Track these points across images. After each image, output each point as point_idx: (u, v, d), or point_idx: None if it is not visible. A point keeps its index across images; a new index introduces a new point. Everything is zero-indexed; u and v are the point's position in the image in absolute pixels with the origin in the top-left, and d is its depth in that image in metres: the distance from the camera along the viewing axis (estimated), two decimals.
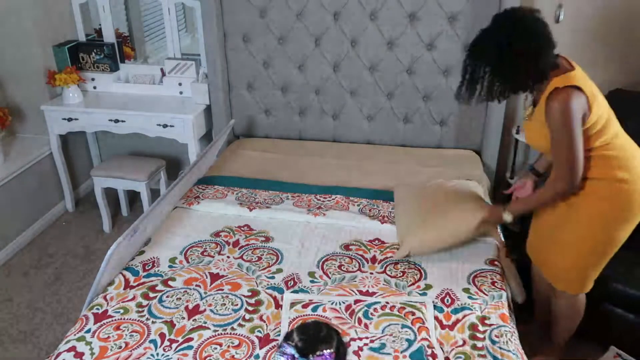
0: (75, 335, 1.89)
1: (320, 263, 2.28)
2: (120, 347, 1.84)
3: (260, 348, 1.84)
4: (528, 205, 2.16)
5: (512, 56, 1.84)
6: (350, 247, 2.40)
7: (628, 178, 1.96)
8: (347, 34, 3.21)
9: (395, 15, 3.11)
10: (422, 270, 2.23)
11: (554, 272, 2.22)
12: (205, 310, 2.01)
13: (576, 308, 2.30)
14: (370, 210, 2.63)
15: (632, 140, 2.05)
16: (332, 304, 2.02)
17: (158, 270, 2.23)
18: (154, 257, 2.31)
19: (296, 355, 1.73)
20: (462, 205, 2.34)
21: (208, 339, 1.88)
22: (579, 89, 1.85)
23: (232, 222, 2.57)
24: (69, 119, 3.44)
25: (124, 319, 1.97)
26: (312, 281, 2.18)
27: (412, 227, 2.32)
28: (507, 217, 2.15)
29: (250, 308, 2.02)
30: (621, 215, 2.00)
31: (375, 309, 2.00)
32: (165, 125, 3.34)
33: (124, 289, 2.12)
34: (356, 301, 2.04)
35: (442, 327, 1.93)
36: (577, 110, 1.85)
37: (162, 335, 1.89)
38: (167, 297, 2.08)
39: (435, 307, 2.02)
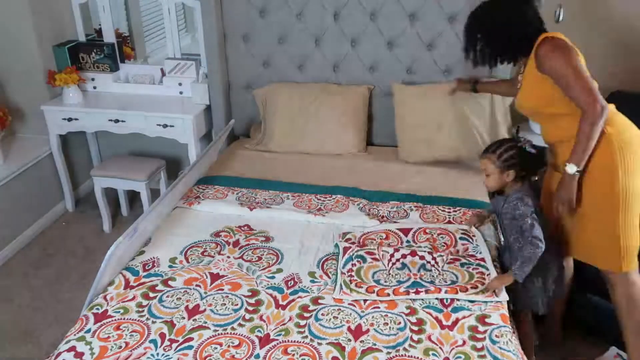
0: (75, 335, 1.89)
1: (321, 263, 2.28)
2: (120, 347, 1.84)
3: (261, 348, 1.84)
4: (582, 149, 2.03)
5: (500, 30, 2.18)
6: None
7: (613, 131, 2.04)
8: (347, 34, 3.21)
9: (395, 15, 3.11)
10: None
11: (590, 251, 2.20)
12: (205, 310, 2.01)
13: (633, 299, 2.18)
14: (370, 210, 2.63)
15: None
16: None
17: (158, 270, 2.23)
18: (154, 257, 2.31)
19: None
20: None
21: (208, 338, 1.88)
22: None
23: (232, 222, 2.57)
24: (69, 119, 3.44)
25: (124, 318, 1.97)
26: (312, 281, 2.17)
27: None
28: (571, 169, 2.05)
29: (250, 308, 2.02)
30: (620, 166, 2.04)
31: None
32: (165, 125, 3.34)
33: (124, 289, 2.12)
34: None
35: (442, 327, 1.93)
36: (569, 46, 2.07)
37: (162, 335, 1.89)
38: (167, 297, 2.08)
39: (434, 307, 2.02)
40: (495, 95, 2.96)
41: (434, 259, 2.25)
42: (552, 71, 2.05)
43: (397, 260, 2.24)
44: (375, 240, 2.41)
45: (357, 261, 2.22)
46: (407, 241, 2.40)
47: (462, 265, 2.21)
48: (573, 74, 2.00)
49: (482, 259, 2.24)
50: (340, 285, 2.11)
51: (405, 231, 2.45)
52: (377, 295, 2.05)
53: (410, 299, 2.04)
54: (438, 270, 2.19)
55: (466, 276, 2.15)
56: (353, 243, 2.34)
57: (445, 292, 2.05)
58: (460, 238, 2.38)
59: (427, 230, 2.45)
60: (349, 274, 2.17)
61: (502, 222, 2.23)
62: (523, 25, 2.14)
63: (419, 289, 2.07)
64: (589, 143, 2.01)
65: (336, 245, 2.35)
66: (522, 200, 2.08)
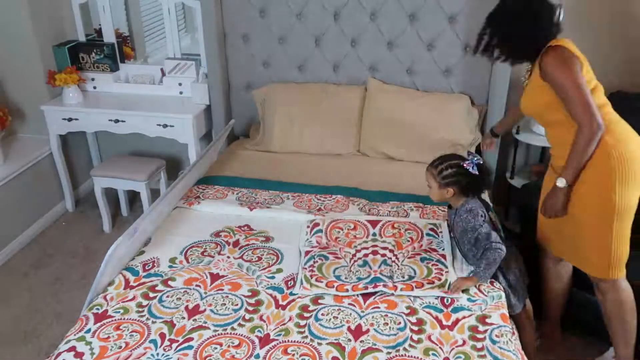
0: (75, 335, 1.89)
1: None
2: (120, 347, 1.84)
3: (261, 348, 1.84)
4: (574, 165, 2.06)
5: (514, 28, 2.09)
6: None
7: (613, 142, 2.02)
8: (347, 34, 3.21)
9: (395, 15, 3.11)
10: None
11: (582, 258, 2.22)
12: (205, 310, 2.01)
13: (623, 303, 2.22)
14: (370, 210, 2.63)
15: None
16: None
17: (158, 270, 2.23)
18: (154, 257, 2.31)
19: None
20: None
21: (208, 338, 1.88)
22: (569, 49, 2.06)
23: (232, 222, 2.57)
24: (69, 119, 3.44)
25: (124, 319, 1.97)
26: None
27: None
28: (560, 183, 2.09)
29: (250, 308, 2.02)
30: (617, 179, 2.03)
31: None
32: (165, 125, 3.34)
33: (124, 289, 2.12)
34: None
35: (442, 327, 1.93)
36: (573, 58, 2.03)
37: (162, 335, 1.89)
38: (167, 297, 2.08)
39: (435, 307, 2.02)
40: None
41: (395, 255, 2.27)
42: (553, 81, 2.05)
43: (359, 258, 2.27)
44: (342, 229, 2.43)
45: (319, 258, 2.25)
46: (374, 234, 2.41)
47: (422, 260, 2.23)
48: (572, 88, 1.99)
49: (443, 256, 2.25)
50: (301, 280, 2.13)
51: (374, 223, 2.46)
52: (337, 290, 2.07)
53: (387, 295, 2.05)
54: (397, 265, 2.21)
55: (424, 271, 2.16)
56: (315, 247, 2.34)
57: (401, 289, 2.07)
58: (427, 234, 2.39)
59: (395, 225, 2.45)
60: (311, 269, 2.19)
61: (455, 235, 2.25)
62: (535, 29, 2.08)
63: (377, 283, 2.09)
64: (582, 159, 2.04)
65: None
66: (471, 213, 2.10)
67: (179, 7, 3.52)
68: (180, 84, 3.53)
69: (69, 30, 3.62)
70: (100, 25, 3.62)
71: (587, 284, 2.47)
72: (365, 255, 2.28)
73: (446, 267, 2.18)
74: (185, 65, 3.52)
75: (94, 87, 3.66)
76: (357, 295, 2.07)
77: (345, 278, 2.14)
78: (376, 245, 2.33)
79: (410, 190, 2.79)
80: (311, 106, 3.20)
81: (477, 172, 2.06)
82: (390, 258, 2.26)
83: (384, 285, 2.08)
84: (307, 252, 2.30)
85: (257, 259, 2.31)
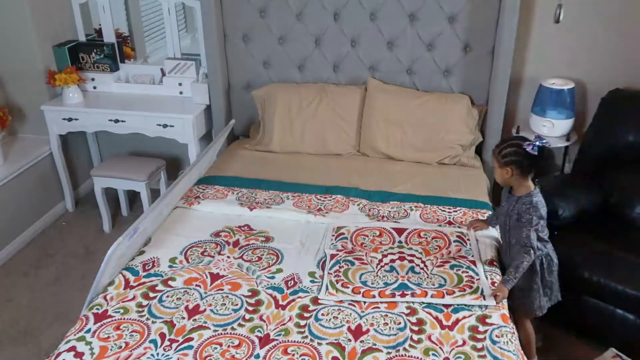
0: (75, 335, 1.90)
1: (320, 263, 2.28)
2: (120, 347, 1.84)
3: (261, 348, 1.84)
4: None
5: None
6: None
7: None
8: (347, 34, 3.21)
9: (395, 15, 3.11)
10: None
11: None
12: (205, 310, 2.01)
13: None
14: (370, 210, 2.63)
15: None
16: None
17: (158, 270, 2.23)
18: (154, 257, 2.31)
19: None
20: None
21: (208, 338, 1.88)
22: None
23: (232, 222, 2.57)
24: (69, 119, 3.44)
25: (124, 319, 1.97)
26: (312, 281, 2.17)
27: None
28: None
29: (250, 308, 2.02)
30: None
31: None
32: (165, 125, 3.34)
33: (124, 289, 2.12)
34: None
35: (442, 327, 1.93)
36: None
37: (162, 335, 1.89)
38: (167, 297, 2.08)
39: (435, 307, 2.02)
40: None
41: (423, 262, 2.26)
42: None
43: (386, 263, 2.25)
44: (368, 236, 2.42)
45: (345, 264, 2.24)
46: (399, 241, 2.40)
47: (452, 267, 2.22)
48: None
49: (473, 262, 2.24)
50: (326, 285, 2.12)
51: (400, 231, 2.46)
52: (363, 296, 2.06)
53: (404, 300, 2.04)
54: (427, 273, 2.19)
55: (455, 279, 2.15)
56: (340, 250, 2.33)
57: (432, 295, 2.05)
58: (455, 241, 2.39)
59: (422, 234, 2.44)
60: (336, 274, 2.18)
61: (509, 222, 2.18)
62: None
63: (405, 292, 2.07)
64: None
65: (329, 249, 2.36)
66: (535, 208, 2.06)
67: (179, 7, 3.52)
68: (180, 84, 3.53)
69: (69, 30, 3.62)
70: (100, 25, 3.62)
71: (584, 287, 2.47)
72: (392, 260, 2.27)
73: (477, 274, 2.17)
74: (185, 65, 3.51)
75: (94, 87, 3.65)
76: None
77: (372, 283, 2.13)
78: (402, 252, 2.32)
79: (410, 190, 2.80)
80: (311, 106, 3.20)
81: (536, 154, 1.99)
82: (419, 265, 2.24)
83: (412, 294, 2.06)
84: (332, 256, 2.29)
85: (257, 259, 2.31)
